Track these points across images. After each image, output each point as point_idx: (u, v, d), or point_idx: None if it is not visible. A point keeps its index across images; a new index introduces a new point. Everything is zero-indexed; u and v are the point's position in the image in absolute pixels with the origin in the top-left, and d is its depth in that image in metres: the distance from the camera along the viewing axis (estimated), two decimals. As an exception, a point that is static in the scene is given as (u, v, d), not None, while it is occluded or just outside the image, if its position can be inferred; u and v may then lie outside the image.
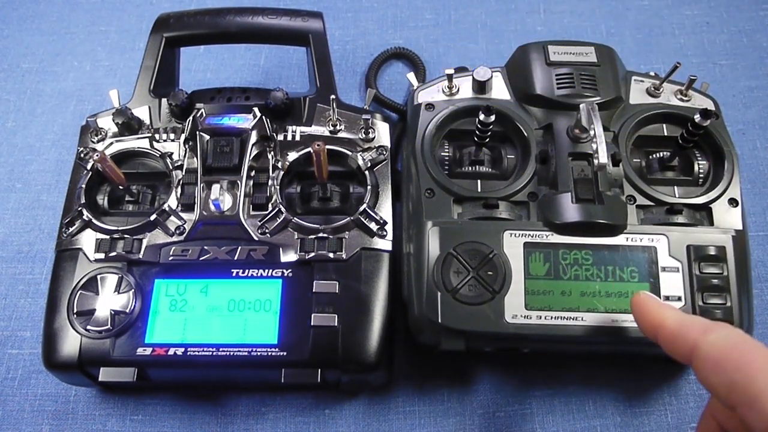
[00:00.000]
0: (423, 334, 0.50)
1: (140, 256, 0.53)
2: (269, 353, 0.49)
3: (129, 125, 0.59)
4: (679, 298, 0.48)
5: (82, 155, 0.58)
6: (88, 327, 0.50)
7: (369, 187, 0.55)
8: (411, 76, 0.61)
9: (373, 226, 0.54)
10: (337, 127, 0.59)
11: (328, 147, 0.54)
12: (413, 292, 0.50)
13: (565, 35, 0.78)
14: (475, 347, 0.51)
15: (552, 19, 0.80)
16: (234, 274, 0.52)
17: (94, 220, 0.54)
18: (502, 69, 0.59)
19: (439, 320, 0.48)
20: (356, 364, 0.50)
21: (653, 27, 0.79)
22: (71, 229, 0.54)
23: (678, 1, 0.81)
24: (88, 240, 0.54)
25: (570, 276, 0.49)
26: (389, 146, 0.58)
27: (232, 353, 0.49)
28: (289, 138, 0.58)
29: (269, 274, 0.52)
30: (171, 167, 0.57)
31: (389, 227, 0.54)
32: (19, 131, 0.73)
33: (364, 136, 0.58)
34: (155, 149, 0.58)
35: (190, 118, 0.57)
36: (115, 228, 0.54)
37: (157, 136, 0.59)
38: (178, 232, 0.54)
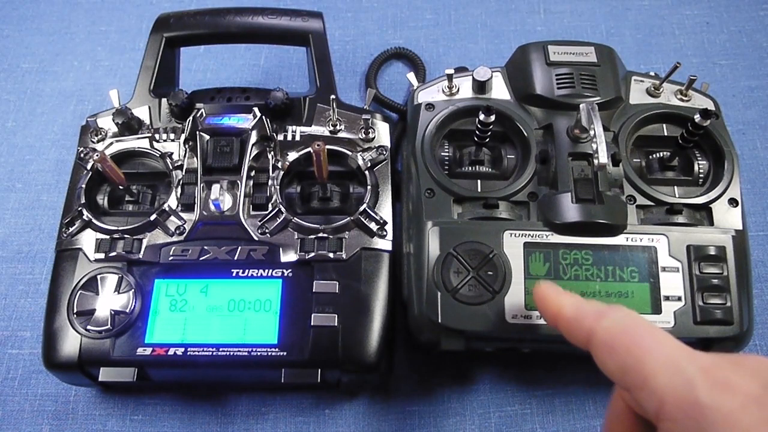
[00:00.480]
0: (423, 334, 0.50)
1: (140, 256, 0.53)
2: (269, 353, 0.49)
3: (129, 125, 0.59)
4: (679, 298, 0.48)
5: (82, 155, 0.58)
6: (88, 327, 0.50)
7: (369, 187, 0.55)
8: (411, 76, 0.62)
9: (373, 226, 0.54)
10: (337, 127, 0.59)
11: (328, 147, 0.54)
12: (413, 292, 0.50)
13: (565, 35, 0.78)
14: (475, 347, 0.51)
15: (552, 19, 0.80)
16: (234, 274, 0.52)
17: (94, 220, 0.54)
18: (502, 69, 0.59)
19: (439, 320, 0.48)
20: (356, 364, 0.50)
21: (653, 27, 0.79)
22: (71, 229, 0.54)
23: (678, 1, 0.81)
24: (88, 240, 0.54)
25: (570, 276, 0.49)
26: (389, 146, 0.58)
27: (232, 353, 0.49)
28: (289, 138, 0.58)
29: (269, 274, 0.52)
30: (171, 167, 0.57)
31: (389, 227, 0.54)
32: (19, 131, 0.73)
33: (364, 136, 0.58)
34: (155, 149, 0.58)
35: (190, 118, 0.57)
36: (115, 228, 0.54)
37: (157, 136, 0.59)
38: (178, 232, 0.54)
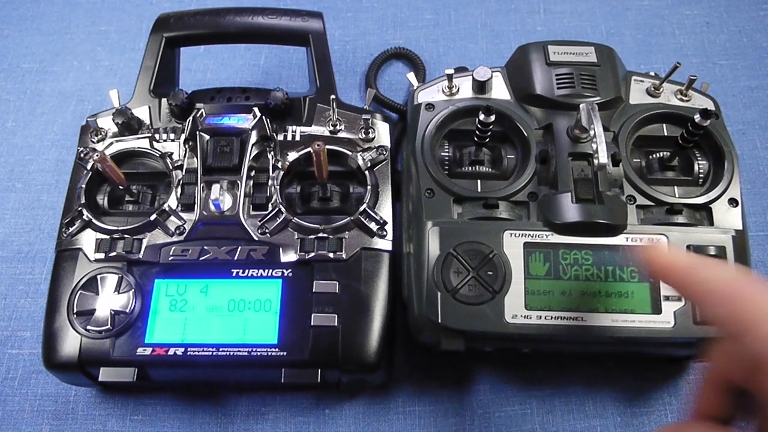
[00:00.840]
0: (423, 335, 0.50)
1: (140, 256, 0.53)
2: (269, 353, 0.49)
3: (129, 125, 0.59)
4: (679, 298, 0.48)
5: (82, 155, 0.58)
6: (88, 327, 0.50)
7: (369, 187, 0.55)
8: (411, 76, 0.61)
9: (373, 226, 0.54)
10: (337, 127, 0.59)
11: (328, 147, 0.54)
12: (413, 292, 0.50)
13: (565, 35, 0.78)
14: (475, 347, 0.51)
15: (552, 19, 0.80)
16: (234, 274, 0.52)
17: (94, 220, 0.54)
18: (502, 69, 0.59)
19: (439, 320, 0.48)
20: (356, 364, 0.50)
21: (653, 27, 0.79)
22: (71, 229, 0.54)
23: (678, 1, 0.81)
24: (88, 240, 0.54)
25: (570, 276, 0.49)
26: (389, 146, 0.58)
27: (232, 353, 0.49)
28: (289, 138, 0.58)
29: (269, 274, 0.52)
30: (171, 167, 0.57)
31: (389, 227, 0.54)
32: (19, 131, 0.73)
33: (364, 136, 0.58)
34: (155, 149, 0.58)
35: (190, 118, 0.57)
36: (115, 228, 0.54)
37: (157, 136, 0.59)
38: (178, 232, 0.54)
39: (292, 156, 0.57)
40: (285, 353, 0.49)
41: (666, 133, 0.56)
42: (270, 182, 0.56)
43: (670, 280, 0.41)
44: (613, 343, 0.49)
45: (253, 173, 0.56)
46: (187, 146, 0.58)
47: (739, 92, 0.73)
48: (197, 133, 0.56)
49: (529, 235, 0.50)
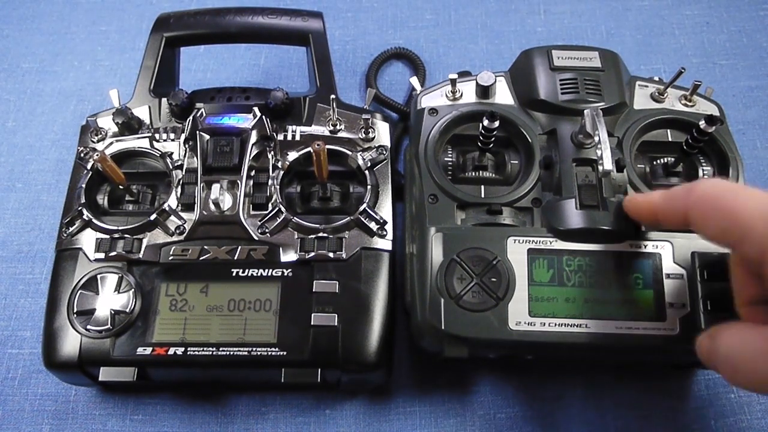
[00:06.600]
0: (426, 341, 0.50)
1: (140, 256, 0.53)
2: (269, 353, 0.49)
3: (129, 125, 0.59)
4: (684, 305, 0.47)
5: (82, 155, 0.58)
6: (88, 327, 0.50)
7: (369, 187, 0.55)
8: (414, 81, 0.61)
9: (373, 225, 0.54)
10: (337, 127, 0.59)
11: (328, 147, 0.54)
12: (416, 298, 0.49)
13: (565, 36, 0.78)
14: (479, 354, 0.50)
15: (552, 20, 0.80)
16: (234, 274, 0.52)
17: (94, 220, 0.54)
18: (505, 74, 0.58)
19: (443, 327, 0.47)
20: (356, 363, 0.50)
21: (653, 27, 0.79)
22: (71, 229, 0.54)
23: (678, 1, 0.81)
24: (88, 240, 0.54)
25: (574, 282, 0.48)
26: (389, 146, 0.58)
27: (231, 353, 0.49)
28: (289, 138, 0.58)
29: (269, 274, 0.52)
30: (171, 167, 0.57)
31: (389, 227, 0.54)
32: (19, 131, 0.73)
33: (364, 135, 0.58)
34: (155, 149, 0.58)
35: (190, 117, 0.57)
36: (115, 228, 0.54)
37: (157, 135, 0.59)
38: (178, 231, 0.54)
39: (292, 156, 0.57)
40: (285, 353, 0.49)
41: (670, 139, 0.55)
42: (270, 182, 0.56)
43: (659, 219, 0.42)
44: (618, 350, 0.48)
45: (253, 173, 0.56)
46: (187, 146, 0.57)
47: (739, 92, 0.73)
48: (197, 132, 0.56)
49: (533, 241, 0.49)
